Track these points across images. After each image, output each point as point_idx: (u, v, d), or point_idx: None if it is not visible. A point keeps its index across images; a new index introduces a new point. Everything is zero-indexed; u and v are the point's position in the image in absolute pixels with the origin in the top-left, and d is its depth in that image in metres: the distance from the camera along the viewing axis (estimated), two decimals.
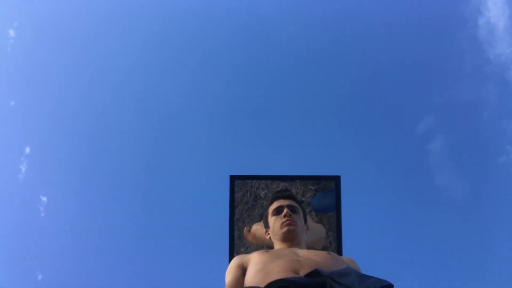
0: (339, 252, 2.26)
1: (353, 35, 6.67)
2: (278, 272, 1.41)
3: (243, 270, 1.61)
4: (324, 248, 2.23)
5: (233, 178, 2.36)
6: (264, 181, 2.33)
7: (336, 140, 6.57)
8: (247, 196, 2.31)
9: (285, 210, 1.82)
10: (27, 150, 6.62)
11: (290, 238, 1.77)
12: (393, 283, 1.14)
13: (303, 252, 1.60)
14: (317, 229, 2.28)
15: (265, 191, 2.31)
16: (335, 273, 1.17)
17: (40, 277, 6.33)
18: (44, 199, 6.50)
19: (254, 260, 1.59)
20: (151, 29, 6.80)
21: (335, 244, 2.23)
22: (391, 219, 6.33)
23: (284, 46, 6.77)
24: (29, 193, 6.59)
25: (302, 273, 1.38)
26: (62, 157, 6.74)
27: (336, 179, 2.36)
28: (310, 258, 1.52)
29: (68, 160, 6.71)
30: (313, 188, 2.33)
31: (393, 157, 6.55)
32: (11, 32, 6.75)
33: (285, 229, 1.77)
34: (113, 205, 6.60)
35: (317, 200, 2.34)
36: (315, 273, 1.24)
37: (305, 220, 1.94)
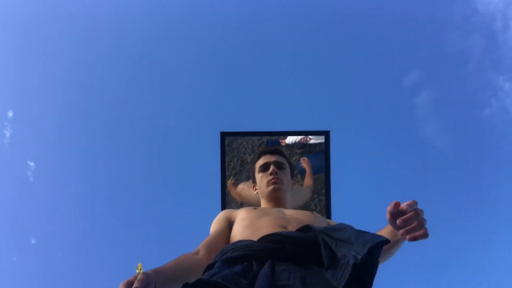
0: (328, 211, 2.31)
1: None
2: (266, 227, 1.43)
3: (229, 223, 1.64)
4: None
5: (223, 135, 2.36)
6: (250, 146, 2.33)
7: (323, 95, 6.55)
8: (234, 162, 2.32)
9: (271, 168, 1.83)
10: (10, 114, 6.48)
11: (276, 197, 1.80)
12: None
13: (289, 212, 1.64)
14: (302, 190, 2.31)
15: (252, 156, 2.32)
16: (328, 228, 1.16)
17: (33, 241, 6.42)
18: (32, 164, 6.46)
19: (241, 216, 1.61)
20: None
21: (320, 207, 2.27)
22: (377, 174, 6.45)
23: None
24: (16, 158, 6.52)
25: (290, 229, 1.41)
26: (48, 120, 6.63)
27: (326, 134, 2.37)
28: (295, 217, 1.56)
29: (53, 123, 6.60)
30: (298, 151, 2.33)
31: (380, 111, 6.58)
32: None
33: (271, 187, 1.80)
34: (103, 164, 6.59)
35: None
36: (307, 228, 1.25)
37: (292, 175, 1.94)
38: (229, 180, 2.32)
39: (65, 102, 6.59)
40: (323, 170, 2.34)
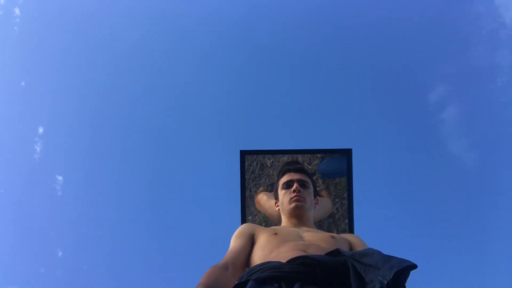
0: (351, 224, 2.26)
1: (364, 1, 6.51)
2: (285, 253, 1.43)
3: (251, 240, 1.65)
4: (331, 216, 2.24)
5: (243, 153, 2.36)
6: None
7: (348, 111, 6.51)
8: (254, 165, 2.31)
9: (295, 185, 1.84)
10: (41, 130, 6.71)
11: (298, 214, 1.81)
12: (405, 254, 1.14)
13: (308, 236, 1.63)
14: (324, 203, 2.28)
15: (271, 160, 2.31)
16: (357, 253, 1.17)
17: (60, 254, 6.53)
18: (60, 178, 6.63)
19: (261, 241, 1.61)
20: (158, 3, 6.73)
21: (342, 211, 2.22)
22: (402, 189, 6.30)
23: (291, 17, 6.65)
24: (45, 173, 6.72)
25: (311, 251, 1.42)
26: (76, 136, 6.83)
27: (348, 153, 2.33)
28: (316, 243, 1.55)
29: (82, 139, 6.79)
30: (319, 156, 2.31)
31: (406, 127, 6.47)
32: (17, 11, 6.73)
33: (293, 204, 1.81)
34: (128, 179, 6.70)
35: (324, 165, 2.33)
36: (336, 252, 1.25)
37: (315, 195, 1.95)
38: (261, 189, 2.32)
39: (94, 118, 6.78)
40: (343, 173, 2.31)
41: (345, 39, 6.63)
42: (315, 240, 1.59)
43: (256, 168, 2.31)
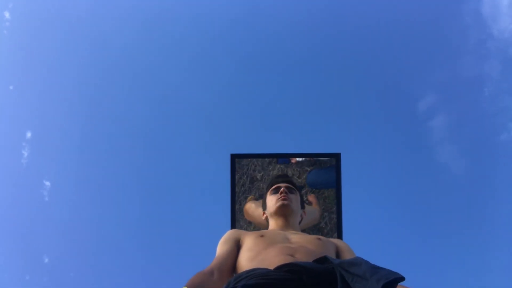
0: (339, 234, 2.27)
1: (352, 9, 6.57)
2: (272, 257, 1.44)
3: (237, 245, 1.65)
4: (319, 230, 2.25)
5: (233, 157, 2.38)
6: (260, 164, 2.33)
7: (338, 118, 6.55)
8: (244, 179, 2.31)
9: (282, 188, 1.91)
10: (28, 134, 6.64)
11: (284, 214, 1.85)
12: (394, 265, 1.14)
13: (294, 238, 1.64)
14: (312, 210, 2.29)
15: (262, 173, 2.32)
16: (345, 262, 1.18)
17: (46, 260, 6.45)
18: (48, 183, 6.56)
19: (248, 244, 1.62)
20: (150, 9, 6.72)
21: (331, 225, 2.23)
22: (390, 197, 6.35)
23: (283, 22, 6.68)
24: (32, 178, 6.64)
25: (298, 256, 1.43)
26: (64, 141, 6.76)
27: (337, 157, 2.36)
28: (303, 245, 1.56)
29: (70, 144, 6.73)
30: (309, 169, 2.32)
31: (395, 135, 6.53)
32: (7, 14, 6.67)
33: (279, 203, 1.86)
34: (116, 186, 6.65)
35: (313, 176, 2.35)
36: (323, 259, 1.25)
37: (302, 206, 2.00)
38: (250, 197, 2.33)
39: (83, 123, 6.73)
40: (333, 185, 2.32)
41: (336, 47, 6.69)
42: (302, 242, 1.59)
43: (246, 181, 2.31)
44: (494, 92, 6.38)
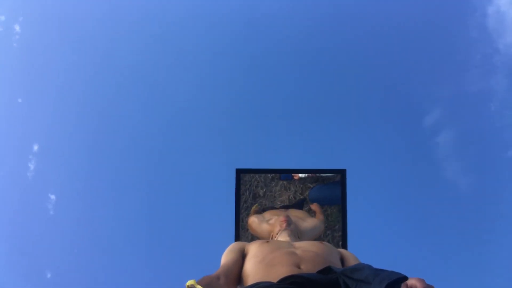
0: (344, 248, 2.25)
1: (359, 26, 6.60)
2: (279, 264, 1.45)
3: (242, 255, 1.66)
4: None
5: (238, 172, 2.37)
6: (263, 180, 2.32)
7: (343, 133, 6.53)
8: (246, 195, 2.31)
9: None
10: (36, 147, 6.68)
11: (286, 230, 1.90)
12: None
13: (298, 243, 1.65)
14: (314, 222, 2.27)
15: (264, 190, 2.31)
16: (348, 269, 1.18)
17: (49, 275, 6.42)
18: (53, 197, 6.57)
19: (253, 251, 1.62)
20: (157, 26, 6.80)
21: (334, 243, 2.21)
22: (397, 213, 6.29)
23: (289, 40, 6.73)
24: (38, 191, 6.65)
25: (304, 267, 1.43)
26: (70, 155, 6.80)
27: (342, 173, 2.34)
28: (306, 249, 1.56)
29: (76, 158, 6.76)
30: (311, 186, 2.31)
31: (401, 151, 6.49)
32: (17, 27, 6.78)
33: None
34: (121, 201, 6.65)
35: (316, 192, 2.33)
36: (327, 270, 1.26)
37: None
38: (254, 207, 2.32)
39: (90, 137, 6.77)
40: (336, 201, 2.30)
41: (343, 63, 6.71)
42: (306, 246, 1.60)
43: (249, 198, 2.30)
44: (500, 108, 6.34)
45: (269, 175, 2.32)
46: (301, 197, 2.28)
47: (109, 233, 6.60)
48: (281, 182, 2.33)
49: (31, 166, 6.61)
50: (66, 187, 6.78)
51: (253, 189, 2.31)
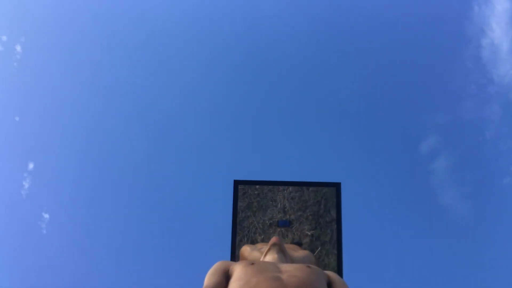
0: (339, 267, 2.24)
1: (357, 53, 6.69)
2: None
3: (226, 277, 1.60)
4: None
5: (236, 183, 2.39)
6: (261, 226, 2.33)
7: (341, 161, 6.56)
8: (244, 241, 2.30)
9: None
10: (31, 166, 6.65)
11: (276, 250, 1.82)
12: None
13: (285, 267, 1.60)
14: (305, 254, 2.26)
15: (262, 236, 2.31)
16: None
17: None
18: (46, 216, 6.52)
19: (237, 274, 1.57)
20: (153, 41, 6.84)
21: (328, 260, 2.21)
22: (393, 240, 6.28)
23: (288, 53, 6.79)
24: (32, 209, 6.61)
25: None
26: (66, 174, 6.77)
27: (337, 186, 2.36)
28: (292, 274, 1.52)
29: (71, 177, 6.73)
30: (309, 233, 2.31)
31: (397, 177, 6.52)
32: (18, 48, 6.80)
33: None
34: (116, 219, 6.61)
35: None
36: None
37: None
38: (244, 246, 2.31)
39: (86, 155, 6.75)
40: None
41: (342, 86, 6.77)
42: (292, 270, 1.56)
43: (247, 244, 2.30)
44: (495, 136, 6.41)
45: (267, 221, 2.32)
46: (300, 242, 2.28)
47: (103, 253, 6.55)
48: (279, 229, 2.34)
49: (26, 185, 6.58)
50: (59, 206, 6.74)
51: (251, 235, 2.32)
